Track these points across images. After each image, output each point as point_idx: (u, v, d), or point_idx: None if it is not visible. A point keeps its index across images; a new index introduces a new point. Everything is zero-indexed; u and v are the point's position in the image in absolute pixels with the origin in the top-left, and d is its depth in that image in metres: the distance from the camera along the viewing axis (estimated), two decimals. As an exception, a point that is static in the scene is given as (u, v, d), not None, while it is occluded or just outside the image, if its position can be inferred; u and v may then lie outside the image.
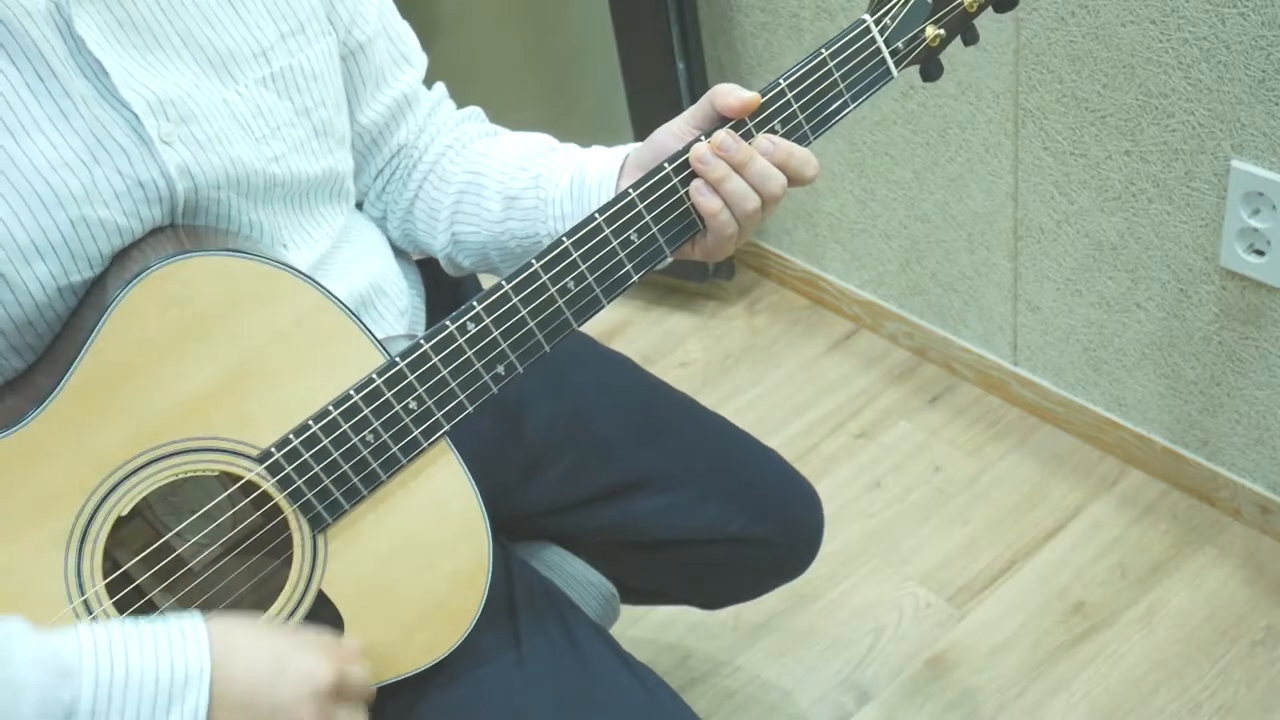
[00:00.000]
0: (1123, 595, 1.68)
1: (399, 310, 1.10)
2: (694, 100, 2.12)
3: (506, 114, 1.19)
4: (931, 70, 1.00)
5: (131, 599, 0.89)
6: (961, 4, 0.98)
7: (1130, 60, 1.51)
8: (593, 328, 0.97)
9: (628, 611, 1.40)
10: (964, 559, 1.76)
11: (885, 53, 0.96)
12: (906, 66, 0.98)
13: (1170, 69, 1.48)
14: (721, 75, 2.10)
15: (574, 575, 1.29)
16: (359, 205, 1.17)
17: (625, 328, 2.25)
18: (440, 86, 1.17)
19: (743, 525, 1.22)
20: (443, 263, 1.16)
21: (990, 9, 1.00)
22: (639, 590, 1.37)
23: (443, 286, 1.21)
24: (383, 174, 1.14)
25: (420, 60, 1.13)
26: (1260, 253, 1.51)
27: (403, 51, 1.11)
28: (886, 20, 0.96)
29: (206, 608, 0.92)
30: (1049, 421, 1.93)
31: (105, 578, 0.86)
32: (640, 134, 2.12)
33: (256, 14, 0.95)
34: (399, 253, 1.17)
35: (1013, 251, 1.82)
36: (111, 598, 0.87)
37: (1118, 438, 1.84)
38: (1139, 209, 1.62)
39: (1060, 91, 1.61)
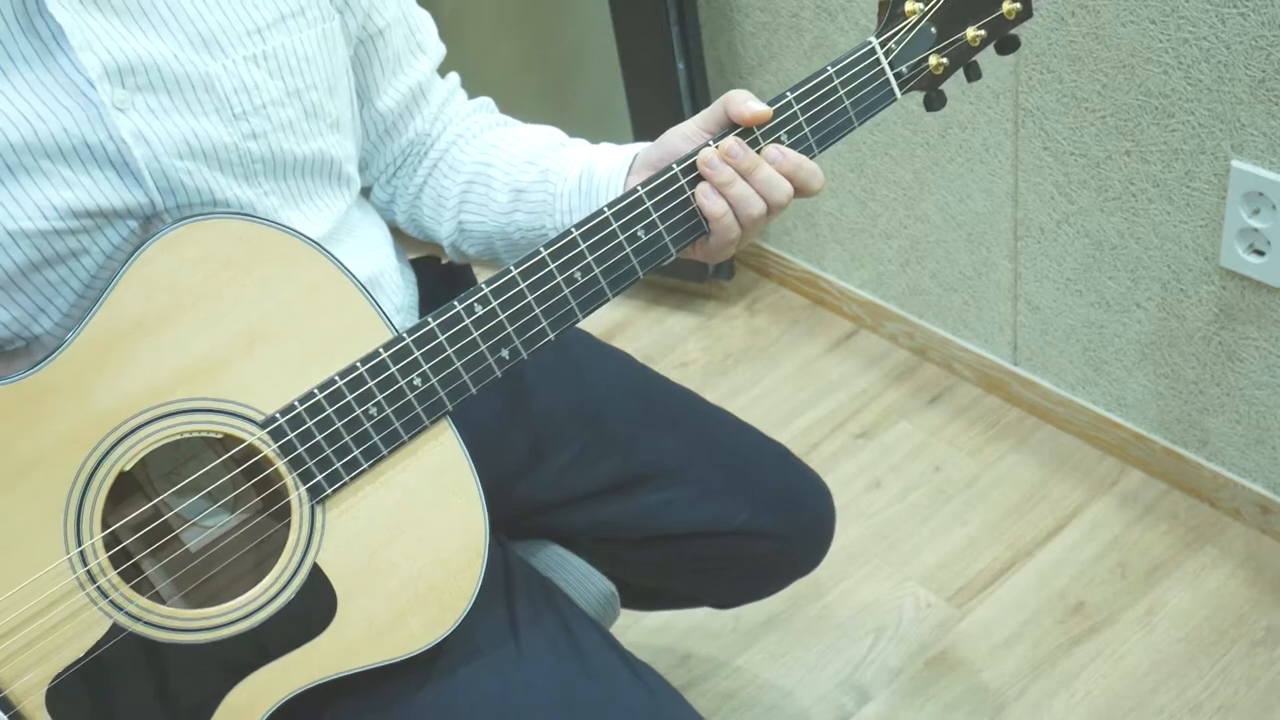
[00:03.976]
0: (1123, 595, 1.68)
1: (394, 306, 1.11)
2: (694, 100, 2.14)
3: (506, 113, 1.20)
4: (934, 100, 1.03)
5: (127, 555, 0.90)
6: (964, 38, 1.01)
7: (1130, 60, 1.51)
8: (593, 327, 0.98)
9: (627, 612, 1.40)
10: (964, 559, 1.76)
11: (889, 74, 0.99)
12: (910, 91, 1.01)
13: (1170, 69, 1.48)
14: (721, 75, 2.10)
15: (573, 574, 1.28)
16: (367, 191, 1.18)
17: (625, 327, 2.25)
18: (454, 76, 1.18)
19: (748, 518, 1.21)
20: (447, 249, 1.17)
21: (991, 48, 1.04)
22: (646, 592, 1.36)
23: (437, 285, 1.21)
24: (395, 160, 1.15)
25: (436, 49, 1.14)
26: (1260, 253, 1.51)
27: (419, 40, 1.12)
28: (892, 44, 0.99)
29: (200, 572, 0.92)
30: (1049, 421, 1.93)
31: (104, 530, 0.87)
32: (640, 134, 2.12)
33: None
34: (398, 249, 1.17)
35: (1013, 251, 1.82)
36: (110, 552, 0.87)
37: (1118, 438, 1.84)
38: (1139, 209, 1.61)
39: (1060, 91, 1.61)
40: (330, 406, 0.90)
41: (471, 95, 1.20)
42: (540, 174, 1.08)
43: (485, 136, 1.15)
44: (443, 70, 1.18)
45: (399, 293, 1.12)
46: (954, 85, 1.03)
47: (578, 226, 0.93)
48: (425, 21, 1.14)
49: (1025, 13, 1.02)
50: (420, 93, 1.13)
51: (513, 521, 1.21)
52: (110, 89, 0.88)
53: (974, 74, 1.04)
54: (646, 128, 2.11)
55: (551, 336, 0.95)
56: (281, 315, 0.89)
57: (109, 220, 0.91)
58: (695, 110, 2.05)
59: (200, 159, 0.93)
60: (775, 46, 1.98)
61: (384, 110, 1.11)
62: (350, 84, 1.06)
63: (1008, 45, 1.04)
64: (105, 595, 0.87)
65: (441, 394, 0.92)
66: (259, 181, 0.97)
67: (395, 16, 1.08)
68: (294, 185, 1.01)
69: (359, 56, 1.07)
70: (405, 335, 0.91)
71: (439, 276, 1.23)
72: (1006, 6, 1.02)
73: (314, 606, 0.92)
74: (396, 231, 1.21)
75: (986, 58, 1.04)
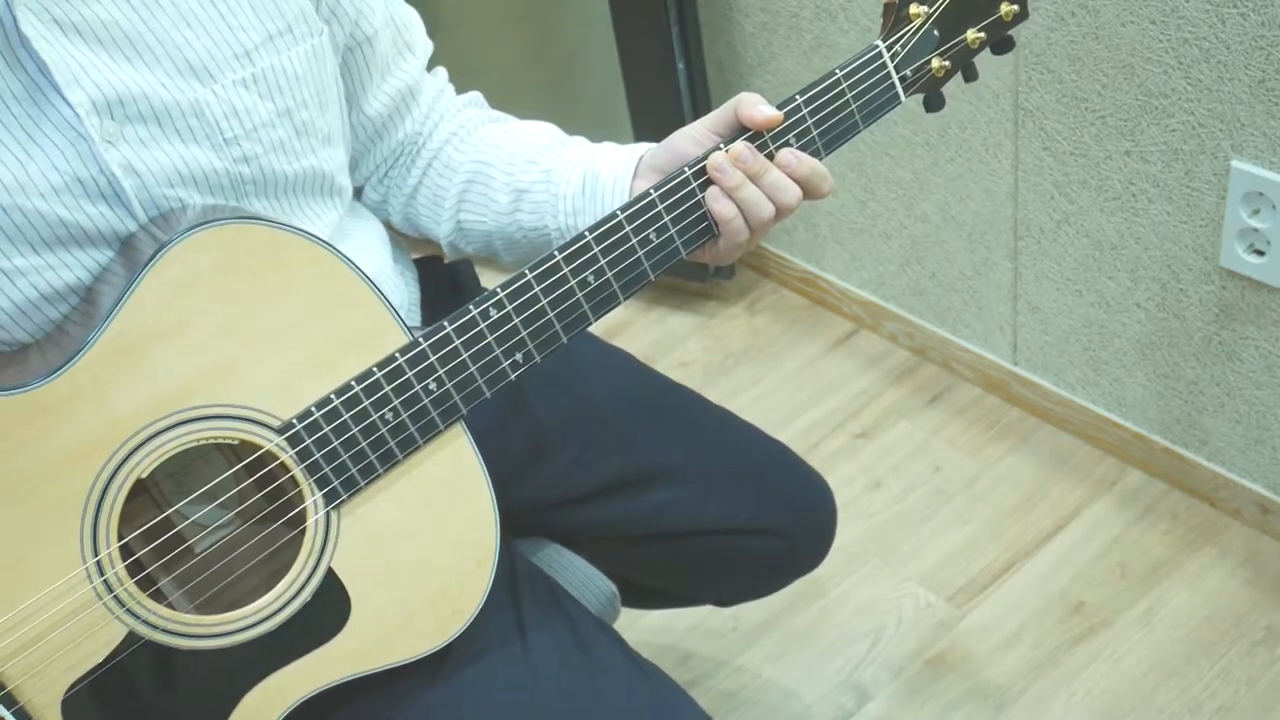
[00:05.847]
0: (1123, 595, 1.68)
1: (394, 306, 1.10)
2: (694, 100, 2.14)
3: (507, 113, 1.20)
4: (934, 101, 1.05)
5: (141, 563, 0.90)
6: (964, 40, 1.03)
7: (1130, 60, 1.51)
8: (594, 326, 0.99)
9: (627, 611, 1.41)
10: (964, 559, 1.77)
11: (895, 77, 1.00)
12: (913, 93, 1.03)
13: (1170, 69, 1.48)
14: (721, 75, 2.10)
15: (574, 574, 1.28)
16: (359, 192, 1.17)
17: (625, 327, 2.25)
18: (442, 71, 1.17)
19: (750, 517, 1.22)
20: (444, 248, 1.17)
21: (989, 50, 1.06)
22: (647, 591, 1.36)
23: (440, 285, 1.21)
24: (386, 160, 1.15)
25: (424, 47, 1.14)
26: (1260, 253, 1.51)
27: (406, 40, 1.11)
28: (897, 48, 1.00)
29: (215, 579, 0.92)
30: (1049, 421, 1.93)
31: (121, 539, 0.86)
32: (640, 133, 2.12)
33: (242, 16, 0.95)
34: (397, 250, 1.17)
35: (1013, 251, 1.82)
36: (123, 561, 0.87)
37: (1118, 438, 1.84)
38: (1139, 209, 1.62)
39: (1060, 91, 1.61)
40: (347, 412, 0.89)
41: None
42: (542, 174, 1.08)
43: (481, 134, 1.14)
44: (436, 68, 1.17)
45: (396, 293, 1.12)
46: (953, 85, 1.04)
47: (591, 230, 0.93)
48: (412, 20, 1.13)
49: (1022, 15, 1.04)
50: (410, 94, 1.12)
51: (513, 520, 1.21)
52: (99, 122, 0.88)
53: (972, 75, 1.06)
54: (646, 128, 2.11)
55: (564, 340, 0.95)
56: (298, 321, 0.89)
57: (100, 251, 0.91)
58: (695, 110, 2.05)
59: (190, 186, 0.93)
60: (775, 46, 1.98)
61: (373, 114, 1.10)
62: (340, 94, 1.05)
63: (1004, 46, 1.06)
64: (122, 604, 0.86)
65: (456, 398, 0.92)
66: (250, 202, 0.97)
67: (383, 20, 1.07)
68: (286, 203, 1.00)
69: (347, 64, 1.06)
70: (421, 340, 0.91)
71: (442, 276, 1.22)
72: (1004, 9, 1.04)
73: (328, 610, 0.92)
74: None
75: (986, 57, 1.06)
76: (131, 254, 0.89)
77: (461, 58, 2.37)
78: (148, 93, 0.90)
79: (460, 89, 1.19)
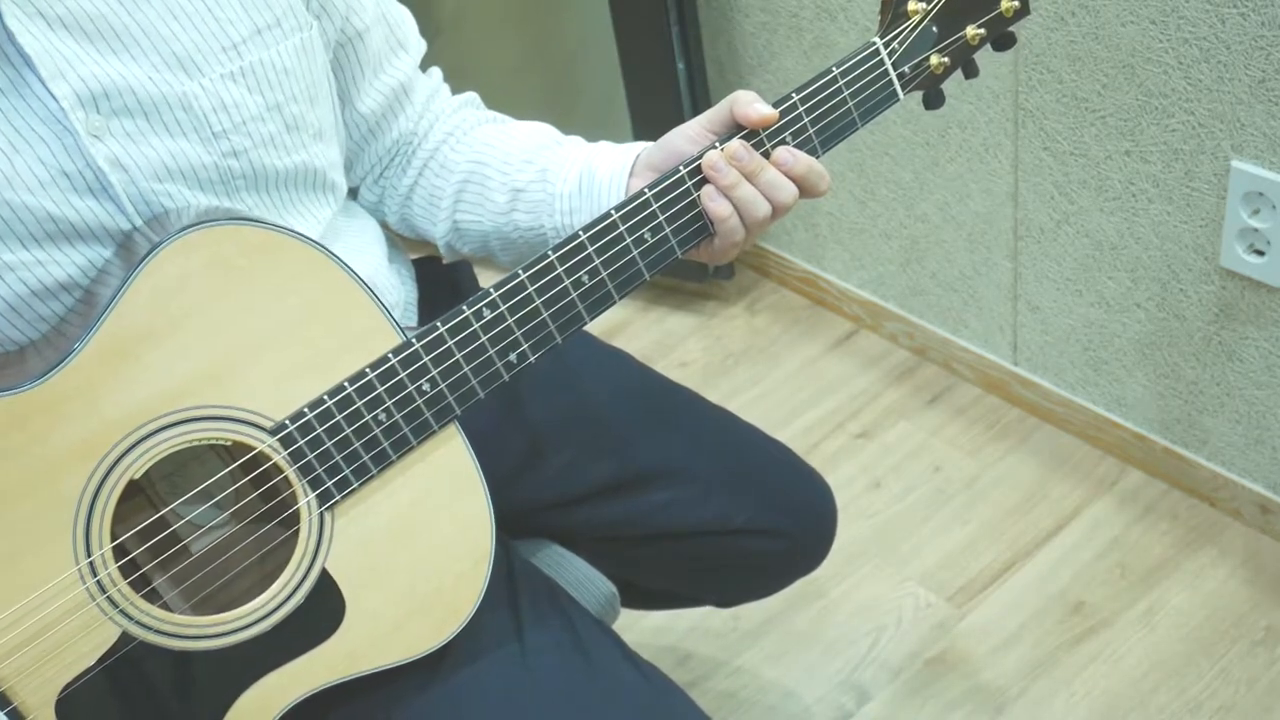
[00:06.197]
0: (1123, 595, 1.68)
1: (389, 304, 1.10)
2: (694, 100, 2.14)
3: (506, 113, 1.20)
4: (934, 99, 1.04)
5: (135, 564, 0.90)
6: (964, 36, 1.02)
7: (1130, 60, 1.51)
8: (593, 327, 0.99)
9: (627, 612, 1.40)
10: (964, 559, 1.76)
11: (893, 75, 1.00)
12: (912, 91, 1.02)
13: (1170, 69, 1.48)
14: (721, 75, 2.10)
15: (573, 574, 1.28)
16: (354, 192, 1.17)
17: (625, 327, 2.25)
18: (436, 71, 1.17)
19: (750, 517, 1.21)
20: (441, 249, 1.17)
21: (989, 46, 1.05)
22: (647, 592, 1.36)
23: (438, 285, 1.21)
24: (381, 159, 1.15)
25: (417, 46, 1.13)
26: (1260, 253, 1.51)
27: (399, 38, 1.11)
28: (895, 44, 1.00)
29: (209, 580, 0.92)
30: (1049, 421, 1.93)
31: (113, 540, 0.86)
32: (640, 133, 2.12)
33: (229, 9, 0.95)
34: (394, 249, 1.17)
35: (1013, 251, 1.82)
36: (117, 561, 0.87)
37: (1118, 438, 1.84)
38: (1139, 209, 1.62)
39: (1060, 91, 1.61)
40: (340, 413, 0.89)
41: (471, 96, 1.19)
42: (538, 173, 1.08)
43: (477, 134, 1.14)
44: (430, 68, 1.17)
45: (392, 293, 1.12)
46: (952, 84, 1.04)
47: (585, 230, 0.93)
48: (405, 18, 1.13)
49: (1023, 10, 1.03)
50: (403, 91, 1.12)
51: (512, 521, 1.21)
52: (85, 115, 0.88)
53: (972, 72, 1.05)
54: (646, 128, 2.11)
55: (559, 340, 0.95)
56: (292, 322, 0.88)
57: (90, 246, 0.91)
58: (695, 110, 2.05)
59: (179, 180, 0.93)
60: (775, 46, 1.98)
61: (366, 112, 1.10)
62: (332, 90, 1.05)
63: (1005, 42, 1.05)
64: (115, 605, 0.86)
65: (450, 399, 0.92)
66: (241, 197, 0.97)
67: (374, 17, 1.07)
68: (277, 198, 1.00)
69: (338, 60, 1.06)
70: (415, 341, 0.91)
71: (441, 277, 1.22)
72: (1005, 4, 1.03)
73: (322, 611, 0.92)
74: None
75: (985, 56, 1.05)
76: (128, 255, 0.89)
77: (461, 59, 2.37)
78: (133, 85, 0.90)
79: (460, 90, 1.19)
